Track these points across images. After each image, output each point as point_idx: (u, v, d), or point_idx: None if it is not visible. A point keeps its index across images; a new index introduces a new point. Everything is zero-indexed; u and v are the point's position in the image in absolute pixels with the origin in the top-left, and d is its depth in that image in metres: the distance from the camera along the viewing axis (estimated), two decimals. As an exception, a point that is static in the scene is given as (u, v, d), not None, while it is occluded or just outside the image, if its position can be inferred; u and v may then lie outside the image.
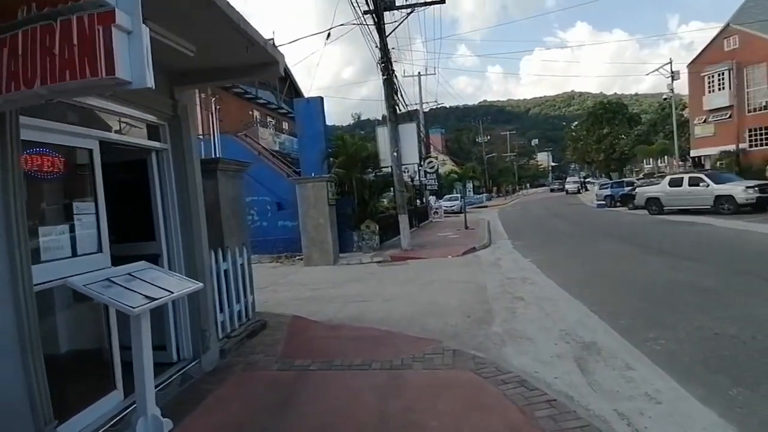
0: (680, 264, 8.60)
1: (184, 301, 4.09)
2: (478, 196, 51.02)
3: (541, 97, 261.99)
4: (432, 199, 31.66)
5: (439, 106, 38.83)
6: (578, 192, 56.10)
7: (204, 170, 5.73)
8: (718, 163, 28.70)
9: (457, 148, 65.40)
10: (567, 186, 60.88)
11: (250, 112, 19.14)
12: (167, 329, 4.17)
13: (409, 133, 13.36)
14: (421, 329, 5.71)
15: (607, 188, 29.26)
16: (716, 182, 17.95)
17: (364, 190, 14.17)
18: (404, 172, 13.87)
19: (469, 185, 45.35)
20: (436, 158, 30.42)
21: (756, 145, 28.51)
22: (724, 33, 29.74)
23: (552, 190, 63.75)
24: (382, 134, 13.48)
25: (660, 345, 4.51)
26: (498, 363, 4.20)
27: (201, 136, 14.97)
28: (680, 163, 33.06)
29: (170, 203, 4.11)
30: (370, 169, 14.41)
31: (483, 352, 4.59)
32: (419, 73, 30.80)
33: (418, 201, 24.88)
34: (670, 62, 29.10)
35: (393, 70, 13.03)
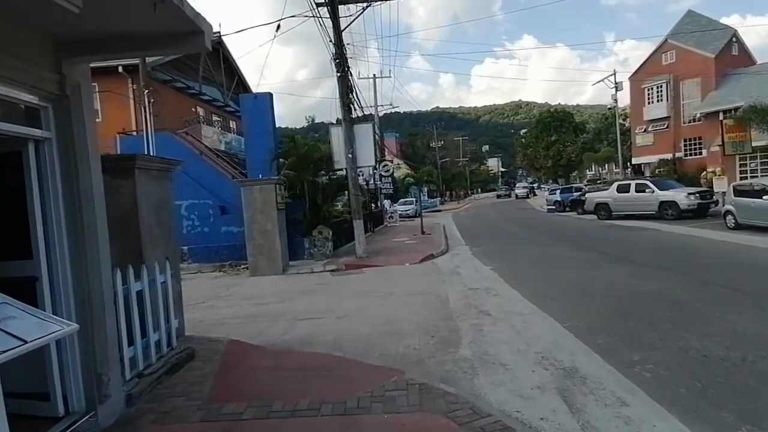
0: (643, 272, 8.41)
1: (72, 336, 3.12)
2: (432, 200, 51.22)
3: (491, 105, 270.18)
4: (387, 203, 31.11)
5: (393, 111, 38.46)
6: (527, 197, 57.74)
7: (116, 168, 4.73)
8: (657, 171, 30.09)
9: (412, 152, 65.49)
10: (516, 191, 62.52)
11: (194, 109, 17.68)
12: (50, 372, 3.17)
13: (364, 133, 12.64)
14: (380, 354, 4.97)
15: (556, 193, 29.93)
16: (660, 188, 18.55)
17: (316, 194, 13.29)
18: (359, 175, 13.10)
19: (424, 189, 45.33)
20: (392, 161, 29.94)
21: (690, 154, 30.14)
22: (662, 48, 31.34)
23: (499, 197, 61.65)
24: (336, 134, 12.67)
25: (649, 371, 4.02)
26: (473, 401, 3.53)
27: (134, 133, 13.54)
28: (619, 170, 34.48)
29: (54, 209, 3.12)
30: (323, 172, 13.54)
31: (453, 386, 3.91)
32: (374, 75, 30.26)
33: (372, 205, 24.20)
34: (614, 73, 30.30)
35: (348, 68, 12.28)
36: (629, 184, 19.68)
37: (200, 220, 13.31)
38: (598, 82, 29.17)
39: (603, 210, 20.54)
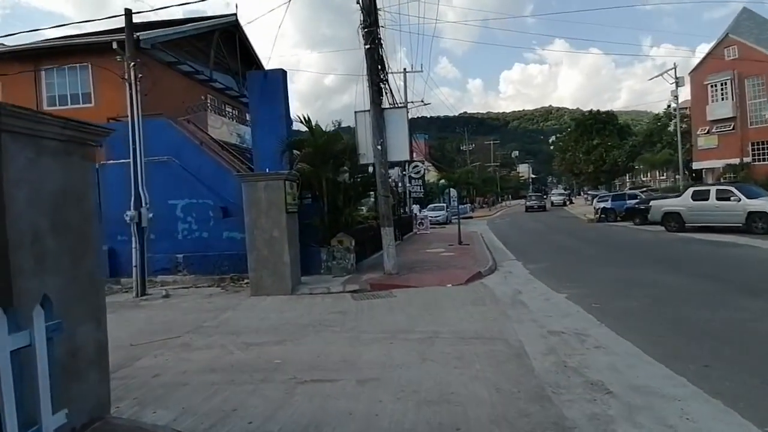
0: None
1: None
2: (462, 206, 48.44)
3: (520, 111, 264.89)
4: (415, 208, 28.66)
5: (420, 116, 36.00)
6: (564, 204, 54.17)
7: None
8: (723, 177, 26.61)
9: (441, 156, 62.74)
10: (552, 198, 58.94)
11: (203, 98, 15.70)
12: None
13: (397, 121, 10.25)
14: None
15: (606, 201, 26.78)
16: (748, 197, 15.47)
17: (337, 195, 10.96)
18: (389, 174, 10.71)
19: (454, 194, 42.65)
20: (422, 163, 27.48)
21: (759, 160, 26.58)
22: (724, 42, 27.89)
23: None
24: (363, 122, 10.32)
25: None
26: None
27: (127, 118, 11.49)
28: (679, 176, 30.94)
29: None
30: (345, 168, 11.22)
31: None
32: (405, 69, 27.90)
33: (401, 210, 21.80)
34: (674, 67, 26.97)
35: (379, 38, 9.93)
36: (708, 191, 16.62)
37: (198, 223, 11.17)
38: (657, 76, 26.03)
39: (673, 220, 17.53)
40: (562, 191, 62.47)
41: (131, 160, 9.47)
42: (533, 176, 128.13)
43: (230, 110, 17.63)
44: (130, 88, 9.37)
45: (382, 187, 10.12)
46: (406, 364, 4.76)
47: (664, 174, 44.88)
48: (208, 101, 16.11)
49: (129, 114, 9.48)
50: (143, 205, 9.58)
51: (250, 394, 4.16)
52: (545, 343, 5.25)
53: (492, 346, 5.19)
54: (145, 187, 9.62)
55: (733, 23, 29.24)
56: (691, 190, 17.83)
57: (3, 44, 15.18)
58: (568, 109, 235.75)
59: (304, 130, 11.28)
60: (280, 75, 10.57)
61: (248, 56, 19.03)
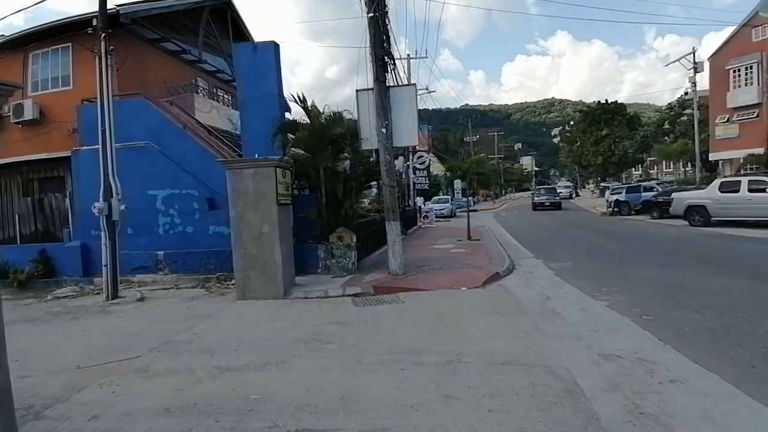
0: None
1: None
2: (464, 199, 47.15)
3: (522, 103, 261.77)
4: (419, 200, 27.44)
5: (422, 109, 34.50)
6: (570, 197, 52.83)
7: None
8: (744, 168, 25.25)
9: (444, 147, 61.32)
10: (559, 191, 57.60)
11: (193, 80, 14.43)
12: None
13: (404, 101, 9.00)
14: None
15: (621, 193, 25.48)
16: (786, 188, 14.21)
17: (336, 185, 9.76)
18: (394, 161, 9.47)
19: (458, 187, 41.48)
20: (427, 153, 26.19)
21: (786, 150, 25.17)
22: (753, 21, 26.35)
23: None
24: (365, 103, 9.08)
25: None
26: None
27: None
28: (696, 167, 29.46)
29: None
30: (346, 154, 9.99)
31: None
32: (409, 55, 26.53)
33: (405, 203, 20.59)
34: (693, 52, 25.51)
35: (384, 4, 8.65)
36: (739, 182, 15.33)
37: (182, 216, 9.99)
38: (674, 62, 24.64)
39: (698, 214, 16.29)
40: (568, 183, 61.18)
41: (100, 143, 8.26)
42: (536, 169, 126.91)
43: (222, 95, 16.35)
44: (100, 62, 8.13)
45: (387, 175, 8.91)
46: (424, 404, 3.59)
47: (672, 166, 43.42)
48: (199, 84, 14.84)
49: (98, 91, 8.25)
50: (114, 195, 8.39)
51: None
52: (600, 372, 4.07)
53: (532, 377, 4.01)
54: (116, 175, 8.43)
55: (762, 2, 27.60)
56: (718, 181, 16.56)
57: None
58: (570, 101, 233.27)
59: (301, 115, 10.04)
60: (272, 48, 9.29)
61: (242, 38, 17.70)
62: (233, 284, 8.56)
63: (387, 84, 9.03)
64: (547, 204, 31.73)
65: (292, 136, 8.56)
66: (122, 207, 8.49)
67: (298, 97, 8.98)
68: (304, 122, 9.14)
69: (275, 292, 7.71)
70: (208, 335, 5.87)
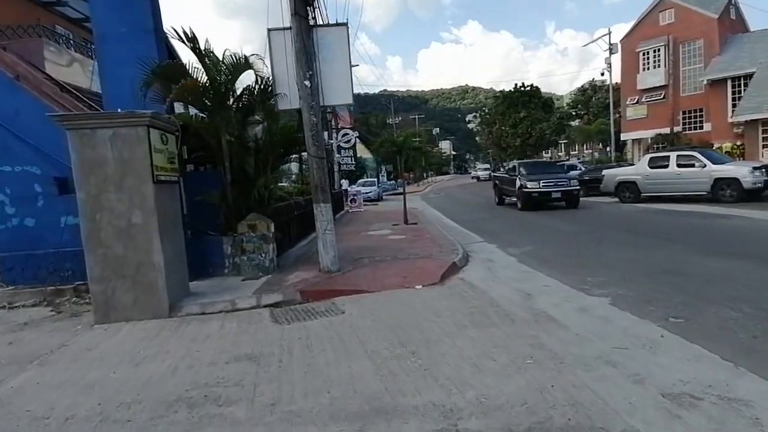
0: None
1: None
2: (390, 182, 45.81)
3: (438, 90, 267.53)
4: (344, 183, 25.41)
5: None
6: (489, 178, 53.87)
7: None
8: (652, 147, 26.49)
9: (366, 130, 59.38)
10: (479, 173, 58.63)
11: (41, 25, 10.86)
12: None
13: (335, 46, 6.86)
14: None
15: (544, 173, 25.46)
16: (714, 162, 14.30)
17: (245, 158, 7.43)
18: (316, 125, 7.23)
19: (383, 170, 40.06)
20: (353, 130, 24.14)
21: (691, 128, 26.80)
22: (660, 6, 27.50)
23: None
24: (280, 46, 6.80)
25: None
26: None
27: None
28: (609, 148, 30.62)
29: None
30: (257, 117, 7.66)
31: None
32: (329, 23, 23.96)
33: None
34: (609, 33, 26.03)
35: None
36: (668, 157, 15.30)
37: (17, 204, 7.05)
38: (590, 42, 24.93)
39: (628, 191, 16.18)
40: (487, 167, 62.70)
41: None
42: (453, 153, 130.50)
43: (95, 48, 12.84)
44: None
45: (313, 143, 6.77)
46: None
47: (583, 148, 45.59)
48: (58, 32, 11.29)
49: None
50: None
51: None
52: (695, 436, 2.46)
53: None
54: None
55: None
56: (647, 156, 16.56)
57: None
58: (483, 88, 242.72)
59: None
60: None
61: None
62: (98, 297, 5.95)
63: (310, 22, 6.83)
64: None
65: (177, 86, 6.05)
66: None
67: (186, 34, 6.45)
68: (197, 69, 6.65)
69: (156, 309, 5.33)
70: (17, 402, 3.43)
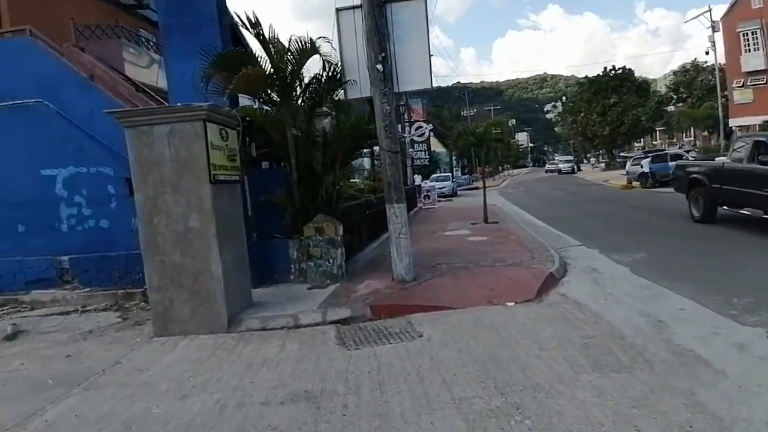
0: None
1: None
2: (465, 176, 44.08)
3: (514, 80, 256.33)
4: (417, 178, 24.55)
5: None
6: (573, 171, 50.01)
7: None
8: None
9: (439, 123, 57.92)
10: (560, 165, 54.81)
11: (121, 27, 11.15)
12: None
13: (411, 23, 6.00)
14: None
15: (642, 163, 22.65)
16: None
17: (313, 153, 6.81)
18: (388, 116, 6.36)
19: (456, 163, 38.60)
20: (427, 123, 23.13)
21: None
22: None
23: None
24: (350, 26, 6.07)
25: None
26: None
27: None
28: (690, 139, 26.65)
29: None
30: (325, 108, 7.03)
31: None
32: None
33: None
34: (710, 10, 22.50)
35: None
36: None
37: (92, 205, 7.02)
38: (692, 19, 21.69)
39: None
40: (570, 158, 58.62)
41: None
42: (531, 145, 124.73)
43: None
44: None
45: (386, 135, 5.96)
46: None
47: (683, 135, 40.63)
48: (141, 36, 11.59)
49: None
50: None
51: None
52: None
53: None
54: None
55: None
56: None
57: None
58: (563, 76, 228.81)
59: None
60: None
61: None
62: (162, 304, 5.63)
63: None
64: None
65: (238, 74, 5.53)
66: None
67: (249, 20, 5.92)
68: (260, 56, 6.12)
69: (214, 322, 4.83)
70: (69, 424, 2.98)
